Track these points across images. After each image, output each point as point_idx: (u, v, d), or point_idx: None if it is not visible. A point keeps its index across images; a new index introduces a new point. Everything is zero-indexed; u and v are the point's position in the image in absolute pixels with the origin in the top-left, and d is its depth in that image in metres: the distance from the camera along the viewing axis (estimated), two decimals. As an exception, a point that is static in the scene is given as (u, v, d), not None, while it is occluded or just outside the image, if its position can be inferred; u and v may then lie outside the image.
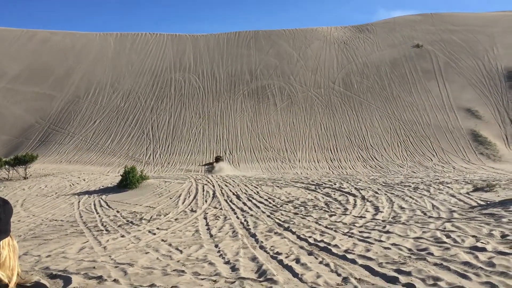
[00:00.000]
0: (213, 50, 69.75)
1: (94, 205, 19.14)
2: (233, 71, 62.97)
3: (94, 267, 8.00)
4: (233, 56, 67.26)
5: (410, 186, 19.59)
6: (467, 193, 16.30)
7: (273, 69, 62.38)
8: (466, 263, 7.06)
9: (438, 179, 23.27)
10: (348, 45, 67.75)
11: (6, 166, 28.40)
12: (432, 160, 39.40)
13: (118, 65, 65.97)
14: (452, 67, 57.21)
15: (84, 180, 28.32)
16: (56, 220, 15.82)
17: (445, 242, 8.71)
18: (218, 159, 42.12)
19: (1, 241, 1.45)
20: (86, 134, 50.01)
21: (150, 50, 70.97)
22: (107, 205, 18.98)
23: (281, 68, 62.53)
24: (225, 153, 45.77)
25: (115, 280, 6.96)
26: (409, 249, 8.37)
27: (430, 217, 12.15)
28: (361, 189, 19.24)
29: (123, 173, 24.11)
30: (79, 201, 20.22)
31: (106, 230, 13.06)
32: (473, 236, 9.08)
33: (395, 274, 6.69)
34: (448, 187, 18.46)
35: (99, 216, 16.15)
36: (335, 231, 11.06)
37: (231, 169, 37.82)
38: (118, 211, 17.08)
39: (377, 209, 14.28)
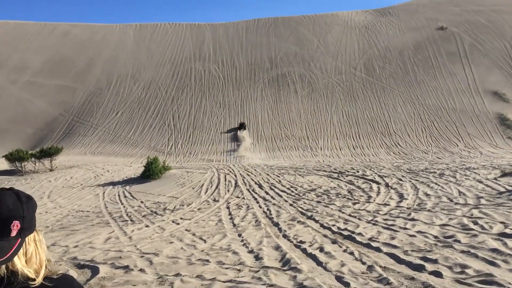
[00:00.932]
0: (233, 39, 69.57)
1: (119, 196, 19.24)
2: (252, 59, 62.60)
3: (120, 257, 8.14)
4: (252, 44, 66.86)
5: (435, 172, 19.17)
6: (495, 178, 15.92)
7: (293, 56, 61.68)
8: (494, 250, 6.90)
9: (464, 164, 22.87)
10: (370, 30, 66.95)
11: (33, 159, 28.94)
12: (458, 146, 38.65)
13: (138, 56, 66.18)
14: (478, 49, 56.06)
15: (108, 171, 28.60)
16: (82, 211, 16.14)
17: (472, 229, 8.54)
18: (242, 125, 45.32)
19: (27, 237, 1.46)
20: (109, 126, 50.63)
21: (169, 41, 71.06)
22: (131, 195, 19.07)
23: (301, 55, 61.88)
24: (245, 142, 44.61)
25: (141, 270, 7.08)
26: (435, 237, 8.22)
27: (456, 203, 11.90)
28: (385, 176, 18.90)
29: (146, 164, 24.34)
30: (104, 192, 20.42)
31: (131, 221, 13.26)
32: (501, 223, 8.88)
33: (421, 262, 6.60)
34: (475, 172, 18.03)
35: (124, 206, 16.39)
36: (359, 219, 10.94)
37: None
38: (142, 202, 17.25)
39: (401, 196, 14.01)
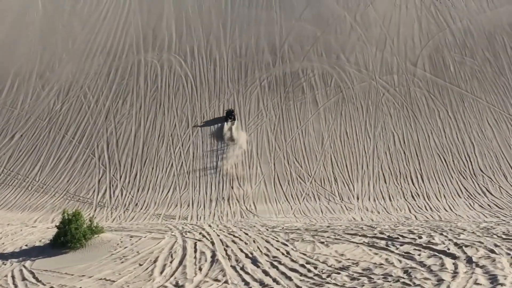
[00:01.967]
0: (210, 13, 57.26)
1: (13, 278, 15.72)
2: (243, 47, 52.67)
3: None
4: (242, 22, 55.94)
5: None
6: None
7: (311, 43, 51.63)
8: None
9: None
10: (439, 1, 55.21)
11: None
12: None
13: (51, 40, 55.42)
14: None
15: (-4, 235, 26.50)
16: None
17: None
18: (229, 114, 41.91)
19: None
20: (-3, 158, 46.95)
21: (104, 15, 58.24)
22: (34, 277, 15.64)
23: (324, 41, 51.82)
24: (232, 187, 37.32)
25: None
26: None
27: None
28: (466, 246, 15.25)
29: (60, 223, 20.41)
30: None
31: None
32: None
33: None
34: None
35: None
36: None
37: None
38: (52, 288, 15.66)
39: (494, 280, 11.21)
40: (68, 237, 19.37)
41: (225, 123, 42.42)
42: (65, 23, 58.75)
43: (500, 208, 30.33)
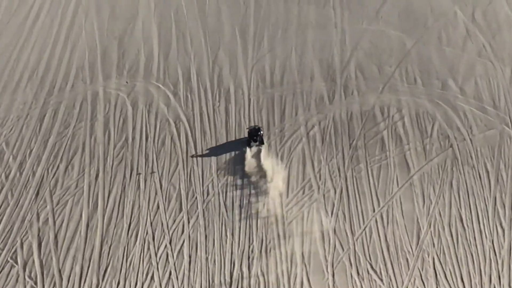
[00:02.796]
0: (218, 11, 43.23)
1: None
2: (276, 70, 38.31)
3: None
4: (275, 26, 41.61)
5: None
6: None
7: (396, 61, 38.07)
8: None
9: None
10: None
11: None
12: None
13: None
14: None
15: None
16: None
17: None
18: (255, 133, 32.87)
19: None
20: None
21: (33, 16, 43.54)
22: None
23: (418, 56, 38.41)
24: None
25: None
26: None
27: None
28: None
29: None
30: None
31: None
32: None
33: None
34: None
35: None
36: None
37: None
38: None
39: None
40: None
41: (248, 148, 34.09)
42: None
43: None
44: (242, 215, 31.85)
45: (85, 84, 40.60)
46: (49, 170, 35.44)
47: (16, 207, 33.36)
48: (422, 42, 42.19)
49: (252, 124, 36.32)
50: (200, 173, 34.16)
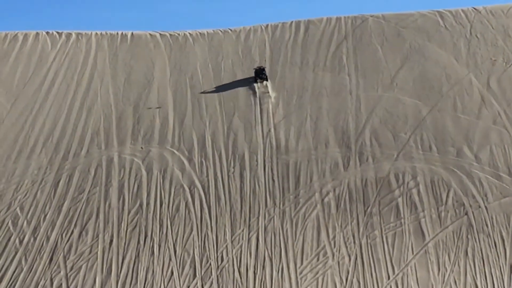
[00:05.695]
0: (233, 74, 43.72)
1: None
2: (291, 136, 38.42)
3: None
4: (291, 91, 41.58)
5: None
6: None
7: (411, 129, 37.09)
8: None
9: None
10: None
11: None
12: None
13: None
14: None
15: None
16: None
17: None
18: (260, 72, 40.04)
19: None
20: None
21: (49, 81, 43.28)
22: None
23: (433, 123, 37.29)
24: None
25: None
26: None
27: None
28: None
29: None
30: None
31: None
32: None
33: None
34: None
35: None
36: None
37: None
38: None
39: None
40: None
41: (255, 84, 40.83)
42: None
43: None
44: (257, 282, 30.85)
45: (100, 150, 39.38)
46: (63, 236, 34.04)
47: (30, 272, 31.83)
48: (437, 109, 39.81)
49: (258, 66, 41.54)
50: (215, 239, 33.56)
